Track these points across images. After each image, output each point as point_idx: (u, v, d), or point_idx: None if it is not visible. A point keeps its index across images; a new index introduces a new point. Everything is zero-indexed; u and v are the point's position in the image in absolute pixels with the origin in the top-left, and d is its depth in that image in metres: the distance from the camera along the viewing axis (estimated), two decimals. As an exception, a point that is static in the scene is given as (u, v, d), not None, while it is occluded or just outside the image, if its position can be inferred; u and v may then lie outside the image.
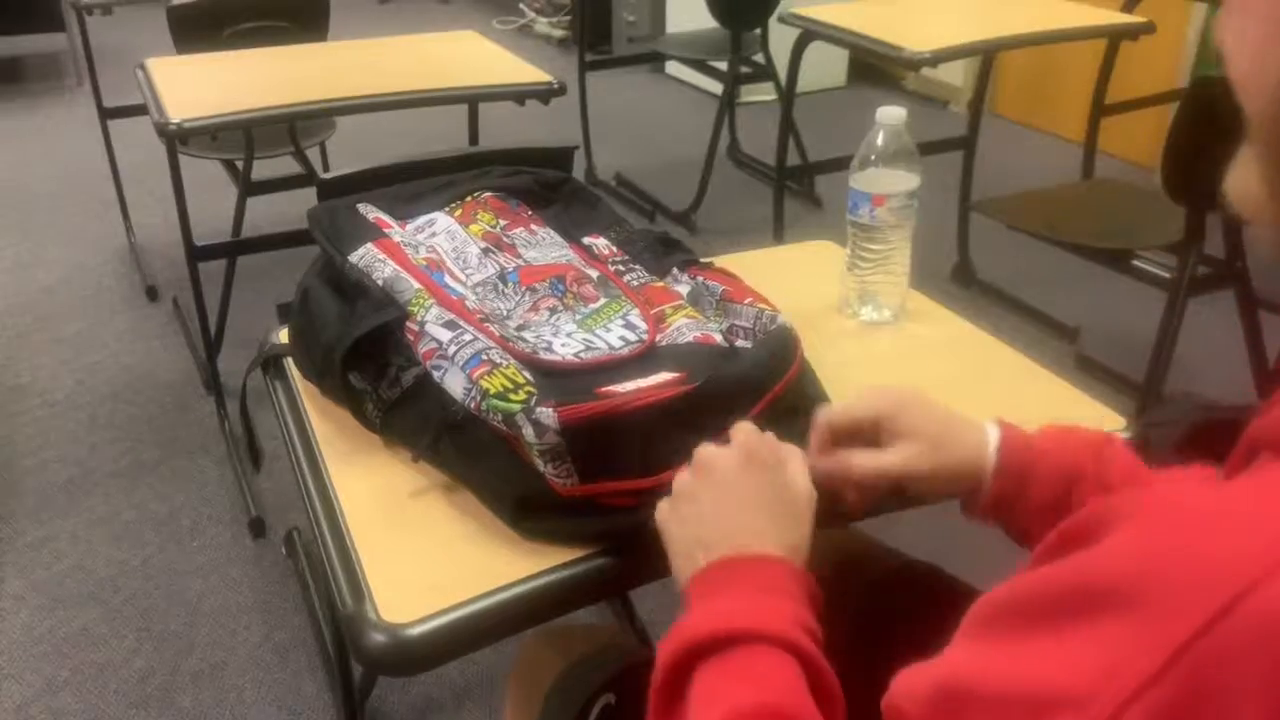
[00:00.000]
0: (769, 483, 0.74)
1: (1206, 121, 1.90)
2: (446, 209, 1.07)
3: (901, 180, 1.11)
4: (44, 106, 4.60)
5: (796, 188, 3.60)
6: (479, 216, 1.06)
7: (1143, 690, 0.37)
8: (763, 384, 0.86)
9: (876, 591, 1.05)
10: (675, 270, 1.03)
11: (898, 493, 0.82)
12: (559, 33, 5.65)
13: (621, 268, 1.03)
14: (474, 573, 0.79)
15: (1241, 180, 0.47)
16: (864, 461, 0.80)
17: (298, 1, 2.67)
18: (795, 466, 0.77)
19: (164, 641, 1.87)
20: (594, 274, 1.00)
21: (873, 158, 1.11)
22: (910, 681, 0.49)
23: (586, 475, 0.80)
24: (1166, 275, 2.17)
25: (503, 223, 1.06)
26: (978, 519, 0.81)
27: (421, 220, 1.04)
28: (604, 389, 0.81)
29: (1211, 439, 1.01)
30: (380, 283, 0.92)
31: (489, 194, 1.10)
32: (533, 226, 1.07)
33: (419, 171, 1.40)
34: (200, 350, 2.57)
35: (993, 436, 0.80)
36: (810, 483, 0.76)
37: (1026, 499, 0.79)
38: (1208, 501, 0.41)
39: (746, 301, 0.97)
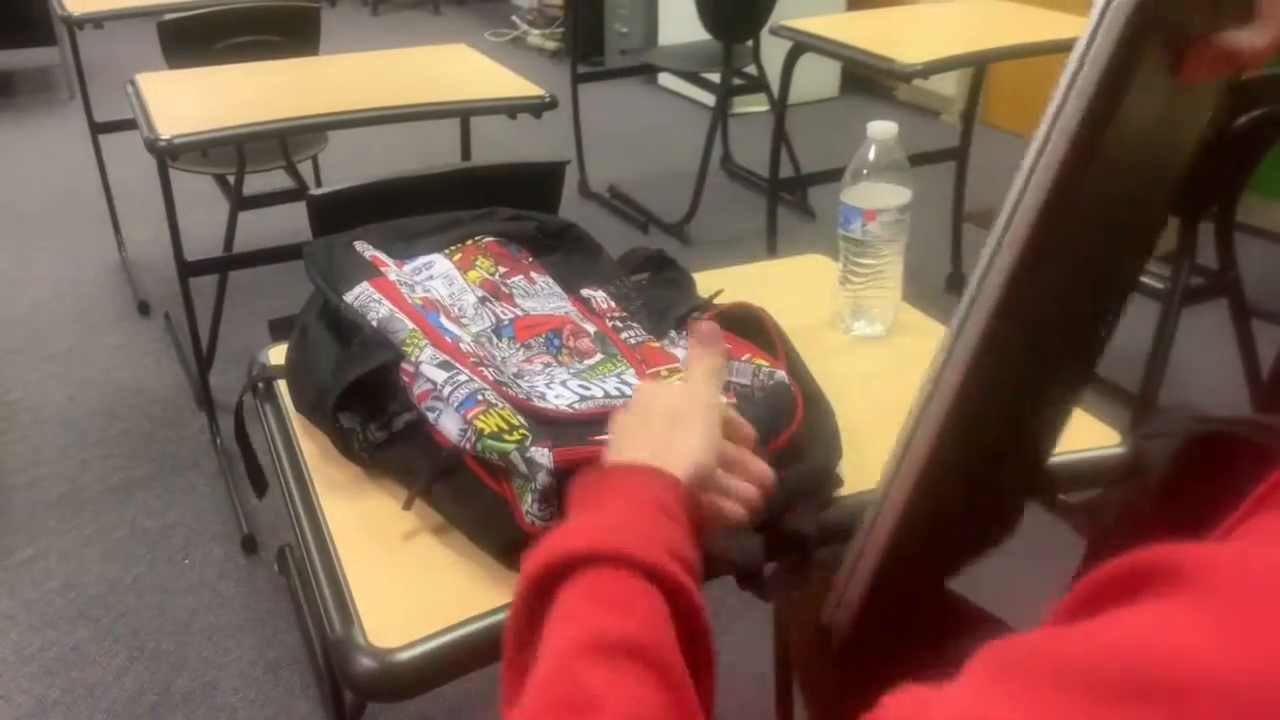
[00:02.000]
0: (668, 405, 0.75)
1: (1198, 132, 1.90)
2: (446, 251, 1.06)
3: (893, 195, 1.11)
4: (35, 121, 4.59)
5: (790, 199, 3.60)
6: (478, 263, 1.05)
7: None
8: (762, 438, 0.85)
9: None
10: (673, 333, 1.03)
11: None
12: (551, 44, 5.65)
13: (619, 324, 1.02)
14: (464, 597, 0.78)
15: None
16: None
17: (289, 15, 2.67)
18: (700, 387, 0.78)
19: (155, 660, 1.86)
20: (591, 329, 0.99)
21: (864, 172, 1.11)
22: (915, 708, 0.42)
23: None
24: (1159, 286, 2.17)
25: (501, 269, 1.05)
26: None
27: (419, 262, 1.04)
28: (596, 438, 0.80)
29: (1207, 451, 1.01)
30: (375, 323, 0.91)
31: (490, 239, 1.09)
32: (532, 274, 1.07)
33: (412, 187, 1.40)
34: (192, 366, 2.56)
35: None
36: (712, 396, 0.77)
37: None
38: None
39: (745, 358, 0.96)
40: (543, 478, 0.77)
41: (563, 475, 0.77)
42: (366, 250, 1.02)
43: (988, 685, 0.39)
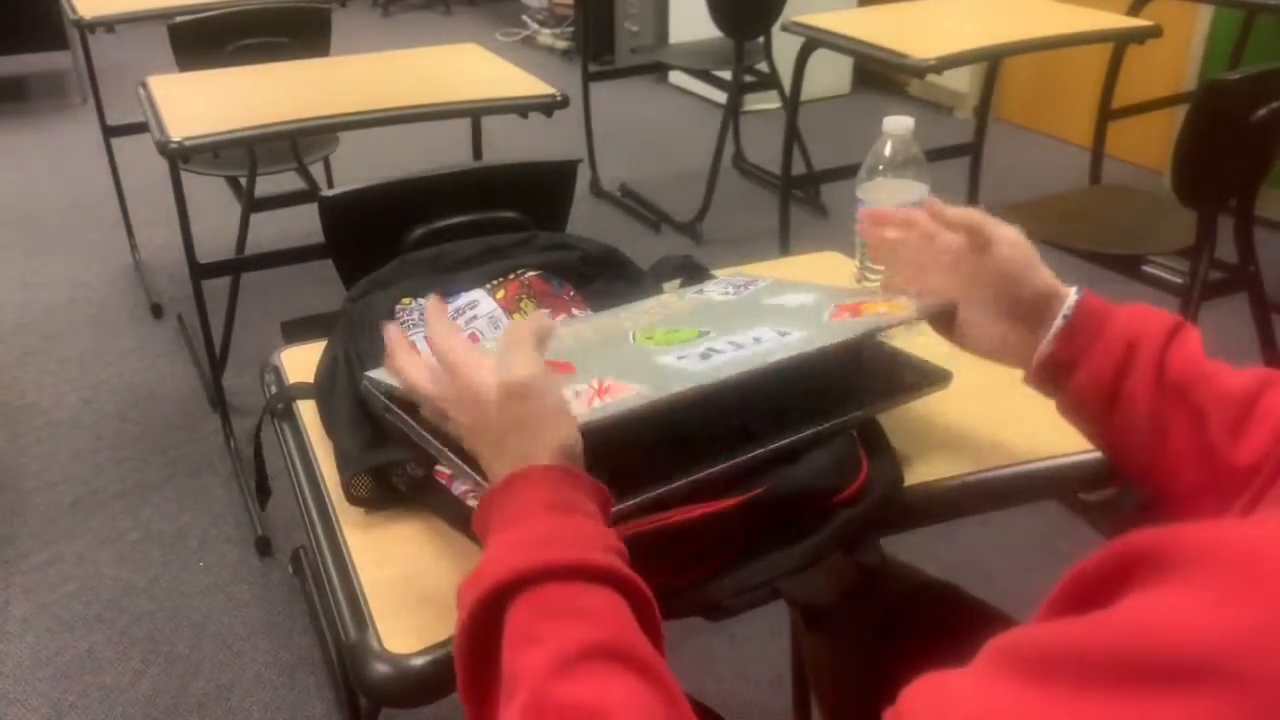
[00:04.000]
0: (509, 407, 0.68)
1: (1216, 124, 1.88)
2: (488, 287, 1.06)
3: (910, 190, 1.09)
4: (48, 125, 4.61)
5: (802, 196, 3.59)
6: (522, 305, 1.05)
7: None
8: (825, 493, 0.84)
9: (896, 609, 1.03)
10: None
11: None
12: (562, 44, 5.65)
13: None
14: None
15: None
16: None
17: (299, 16, 2.67)
18: (521, 364, 0.69)
19: (171, 663, 1.86)
20: None
21: (880, 168, 1.10)
22: (933, 706, 0.44)
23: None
24: (1178, 281, 2.15)
25: (545, 313, 1.05)
26: (1035, 374, 0.85)
27: (462, 301, 1.04)
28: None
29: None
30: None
31: (533, 274, 1.09)
32: (573, 310, 1.07)
33: (424, 187, 1.39)
34: (205, 368, 2.56)
35: (1072, 291, 0.86)
36: (535, 368, 0.69)
37: (1090, 354, 0.83)
38: None
39: None
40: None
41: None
42: (409, 328, 1.00)
43: (1001, 680, 0.41)
